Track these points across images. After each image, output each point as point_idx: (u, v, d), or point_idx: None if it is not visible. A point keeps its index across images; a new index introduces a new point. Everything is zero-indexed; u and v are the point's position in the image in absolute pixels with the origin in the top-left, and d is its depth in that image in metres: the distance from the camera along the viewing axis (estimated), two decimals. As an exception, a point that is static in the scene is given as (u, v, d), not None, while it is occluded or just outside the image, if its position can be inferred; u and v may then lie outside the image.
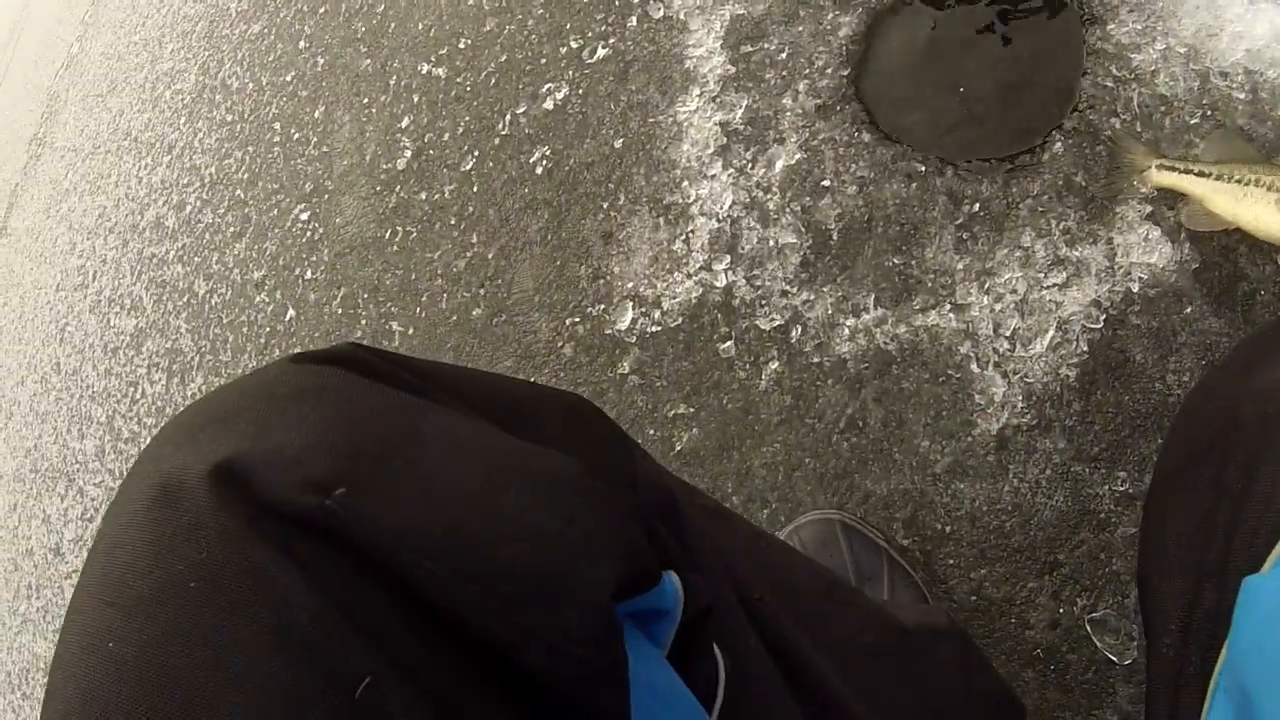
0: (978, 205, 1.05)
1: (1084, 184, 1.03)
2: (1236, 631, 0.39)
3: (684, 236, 1.16)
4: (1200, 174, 0.91)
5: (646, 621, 0.42)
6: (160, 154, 2.00)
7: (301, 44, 1.73)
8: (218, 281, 1.69)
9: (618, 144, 1.24)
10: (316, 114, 1.62)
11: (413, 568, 0.31)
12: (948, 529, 0.97)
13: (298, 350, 1.52)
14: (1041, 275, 1.01)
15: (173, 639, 0.29)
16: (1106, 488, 0.92)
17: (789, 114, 1.16)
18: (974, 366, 1.01)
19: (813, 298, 1.08)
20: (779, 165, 1.14)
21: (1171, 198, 0.96)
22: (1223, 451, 0.47)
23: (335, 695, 0.29)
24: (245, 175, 1.71)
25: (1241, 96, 0.98)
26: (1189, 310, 0.95)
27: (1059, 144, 1.04)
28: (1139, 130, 1.01)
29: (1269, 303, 0.93)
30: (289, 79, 1.72)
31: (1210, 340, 0.93)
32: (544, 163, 1.29)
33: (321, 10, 1.74)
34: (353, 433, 0.34)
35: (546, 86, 1.32)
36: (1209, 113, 0.99)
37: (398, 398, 0.37)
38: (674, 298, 1.14)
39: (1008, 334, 1.01)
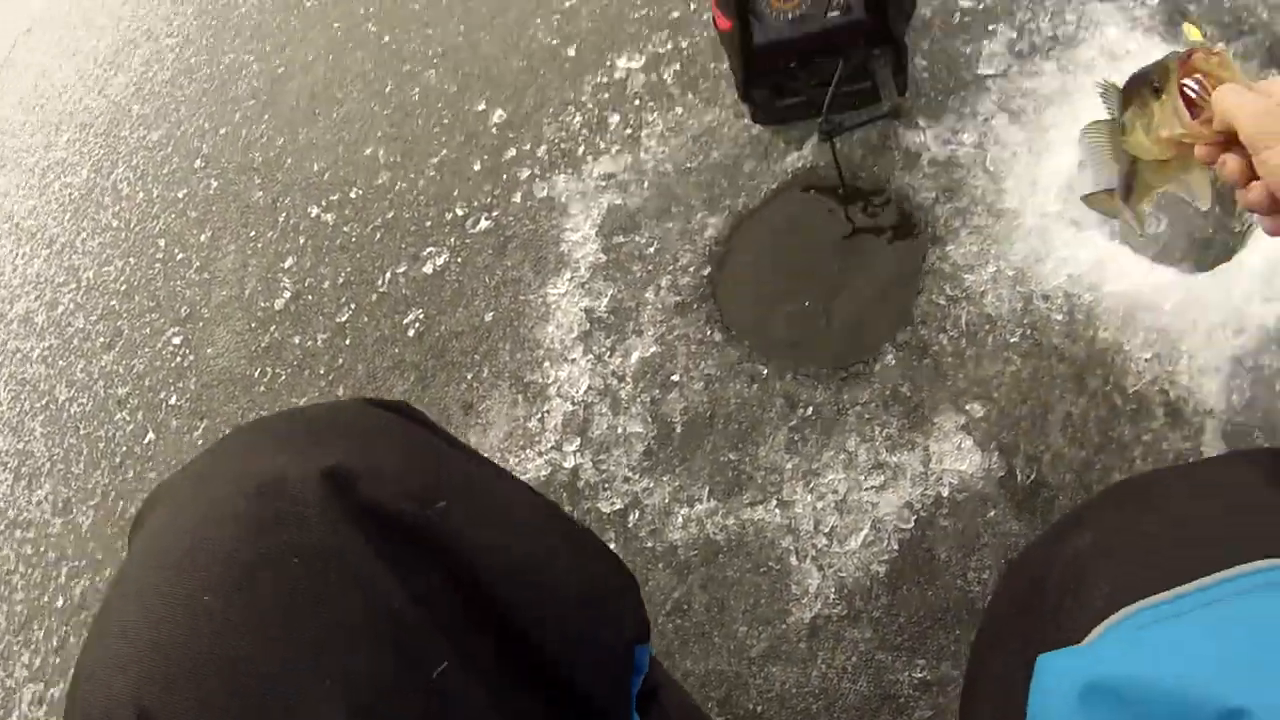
0: (811, 409, 1.14)
1: (909, 394, 1.12)
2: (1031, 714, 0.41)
3: (540, 415, 1.22)
4: (1128, 191, 0.70)
5: None
6: (40, 246, 1.95)
7: (198, 162, 1.75)
8: (80, 390, 1.65)
9: (488, 317, 1.30)
10: (203, 238, 1.63)
11: (485, 580, 0.39)
12: (759, 709, 1.01)
13: (153, 475, 1.49)
14: (862, 477, 1.10)
15: (272, 607, 0.34)
16: (907, 674, 0.98)
17: (650, 307, 1.24)
18: (793, 559, 1.07)
19: (652, 485, 1.14)
20: (635, 356, 1.21)
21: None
22: (1030, 616, 0.49)
23: (413, 674, 0.35)
24: (123, 286, 1.69)
25: (1059, 318, 1.07)
26: (992, 514, 1.02)
27: (890, 356, 1.14)
28: (964, 346, 1.11)
29: (1066, 508, 1.02)
30: (181, 195, 1.73)
31: (1010, 541, 1.01)
32: (416, 325, 1.33)
33: (222, 131, 1.77)
34: (438, 465, 0.42)
35: (428, 250, 1.38)
36: (1028, 331, 1.08)
37: (460, 449, 0.47)
38: (524, 474, 1.19)
39: (826, 530, 1.08)
